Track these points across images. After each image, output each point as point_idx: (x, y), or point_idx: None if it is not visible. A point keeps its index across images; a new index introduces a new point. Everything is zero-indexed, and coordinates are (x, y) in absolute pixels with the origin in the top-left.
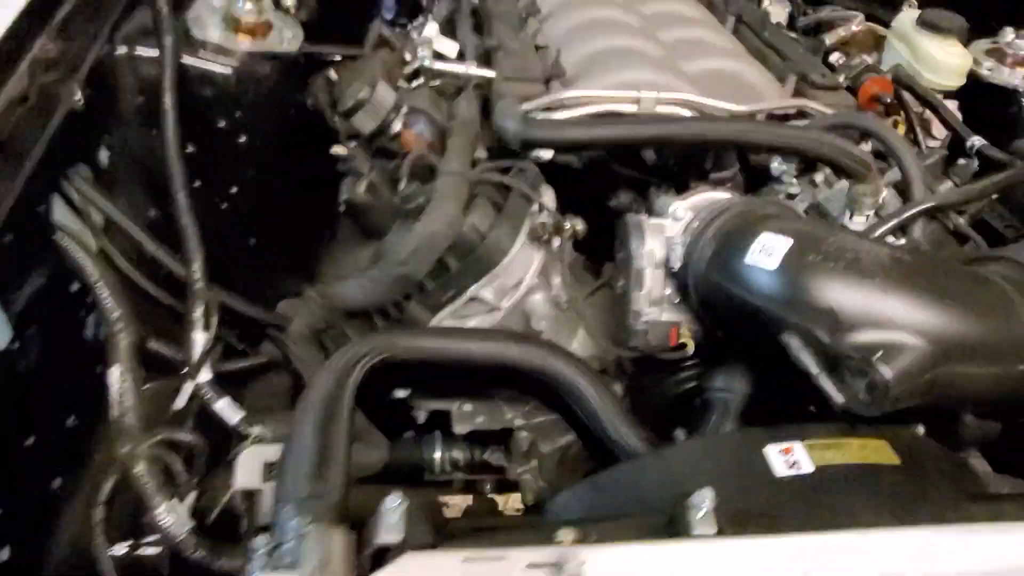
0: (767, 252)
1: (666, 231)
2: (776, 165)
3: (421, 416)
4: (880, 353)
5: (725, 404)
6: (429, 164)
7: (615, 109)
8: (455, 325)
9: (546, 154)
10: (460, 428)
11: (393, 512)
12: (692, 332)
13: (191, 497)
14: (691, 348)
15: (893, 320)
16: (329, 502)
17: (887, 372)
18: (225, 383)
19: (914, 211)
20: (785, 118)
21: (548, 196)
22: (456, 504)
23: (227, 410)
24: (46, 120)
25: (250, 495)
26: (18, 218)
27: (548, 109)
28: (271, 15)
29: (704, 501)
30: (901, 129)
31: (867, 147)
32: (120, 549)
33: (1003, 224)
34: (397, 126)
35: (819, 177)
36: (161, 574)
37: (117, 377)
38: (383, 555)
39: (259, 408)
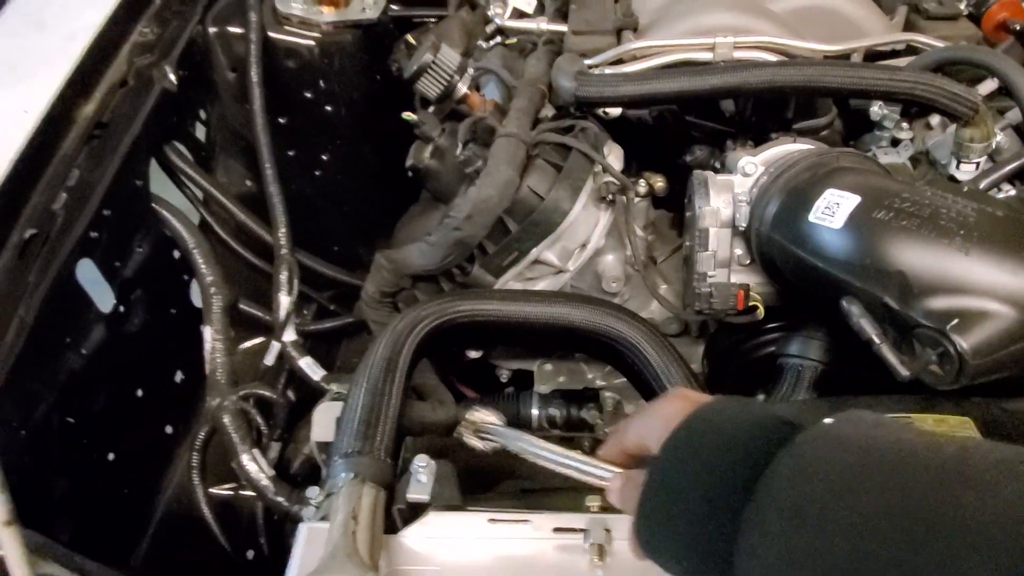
0: (831, 210)
1: (734, 188)
2: (876, 109)
3: (504, 375)
4: (956, 322)
5: (798, 371)
6: (490, 126)
7: (689, 58)
8: (521, 288)
9: (613, 112)
10: (543, 387)
11: (422, 472)
12: (763, 294)
13: (275, 447)
14: (761, 312)
15: (974, 284)
16: (372, 458)
17: (963, 343)
18: (317, 342)
19: None
20: (893, 55)
21: (614, 155)
22: None
23: (310, 368)
24: (143, 101)
25: (326, 447)
26: (119, 193)
27: (619, 62)
28: None
29: None
30: None
31: (992, 84)
32: (222, 490)
33: None
34: (463, 88)
35: (935, 120)
36: (256, 515)
37: (209, 336)
38: (415, 512)
39: (349, 366)
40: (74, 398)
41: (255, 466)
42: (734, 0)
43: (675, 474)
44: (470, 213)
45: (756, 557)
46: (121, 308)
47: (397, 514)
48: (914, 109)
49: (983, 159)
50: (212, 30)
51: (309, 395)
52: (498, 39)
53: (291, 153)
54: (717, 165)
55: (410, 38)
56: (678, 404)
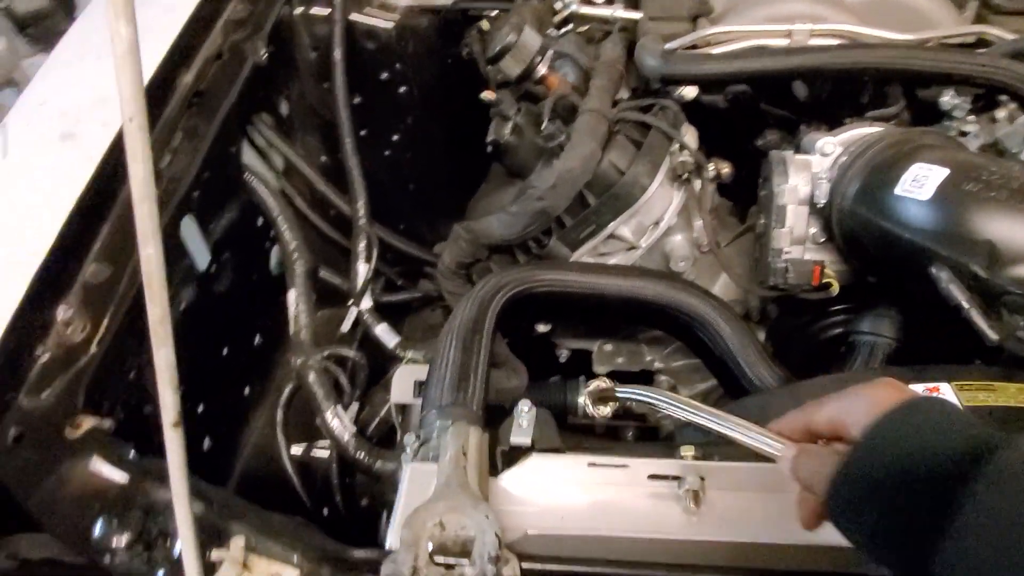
0: (919, 183)
1: (812, 167)
2: (947, 99)
3: (564, 354)
4: None
5: (871, 348)
6: (571, 104)
7: (762, 45)
8: (594, 261)
9: (690, 93)
10: (601, 368)
11: (524, 416)
12: (837, 273)
13: (354, 407)
14: (836, 288)
15: None
16: (468, 408)
17: None
18: (385, 314)
19: None
20: (963, 48)
21: (690, 135)
22: None
23: (385, 335)
24: (237, 73)
25: (403, 409)
26: (215, 158)
27: (694, 47)
28: None
29: None
30: None
31: None
32: (296, 449)
33: None
34: (542, 70)
35: (1001, 113)
36: (329, 476)
37: (294, 299)
38: (515, 455)
39: (414, 338)
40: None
41: (339, 422)
42: None
43: (882, 456)
44: (555, 183)
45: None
46: (214, 268)
47: (500, 456)
48: (980, 103)
49: None
50: (298, 10)
51: (379, 362)
52: (569, 27)
53: (363, 132)
54: (787, 149)
55: (484, 24)
56: (888, 391)
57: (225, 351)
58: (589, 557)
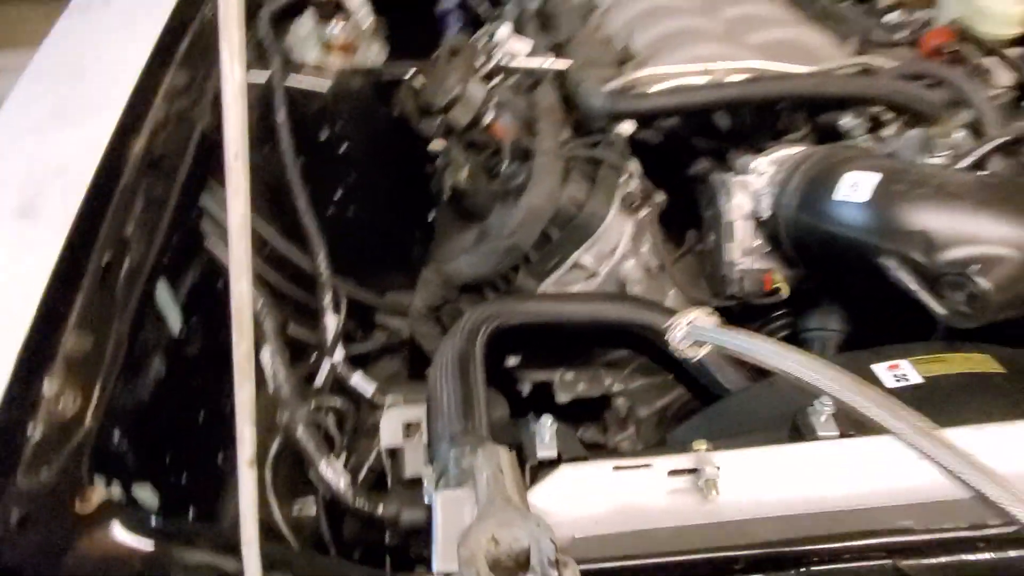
0: (856, 188)
1: (751, 185)
2: (846, 120)
3: (526, 388)
4: (978, 266)
5: (823, 342)
6: (525, 147)
7: (689, 83)
8: (560, 291)
9: (627, 129)
10: (563, 397)
11: (546, 430)
12: (785, 277)
13: (343, 456)
14: (785, 292)
15: (986, 236)
16: (478, 435)
17: (985, 282)
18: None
19: (991, 145)
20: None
21: (635, 165)
22: None
23: (362, 383)
24: (187, 139)
25: (393, 452)
26: (177, 223)
27: (629, 88)
28: (358, 35)
29: (826, 406)
30: None
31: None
32: (281, 510)
33: None
34: (489, 118)
35: (886, 132)
36: (320, 532)
37: (268, 356)
38: (542, 468)
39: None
40: (145, 423)
41: (333, 473)
42: (718, 35)
43: None
44: (522, 220)
45: None
46: (185, 333)
47: (528, 472)
48: (869, 124)
49: (947, 153)
50: None
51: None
52: (498, 79)
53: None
54: (725, 173)
55: (415, 82)
56: None
57: (202, 415)
58: (634, 553)
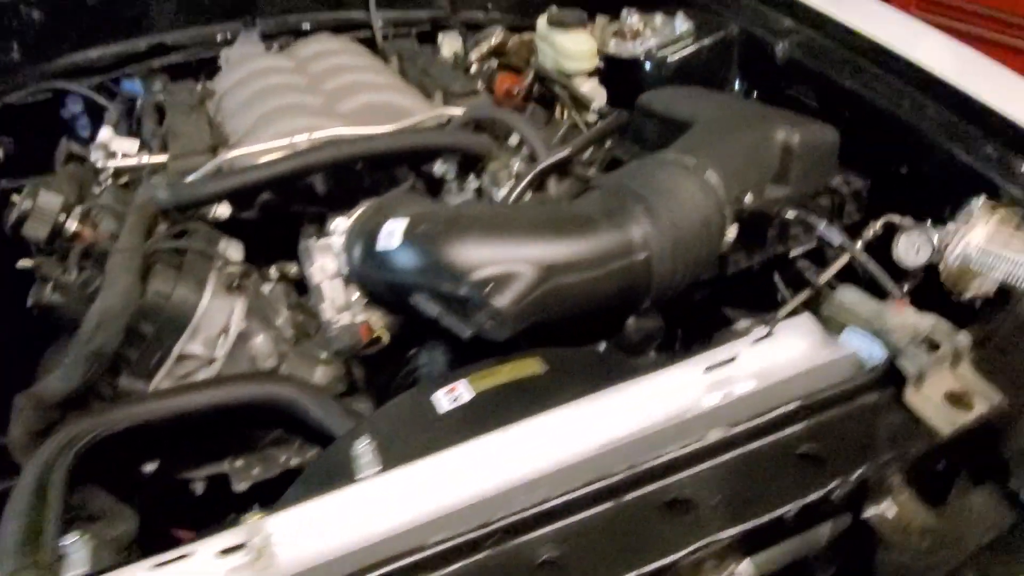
0: (391, 236)
1: (335, 246)
2: (437, 167)
3: (199, 487)
4: (492, 285)
5: (431, 376)
6: (104, 250)
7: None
8: (175, 385)
9: (224, 212)
10: (241, 485)
11: (73, 548)
12: (386, 324)
13: None
14: (386, 338)
15: (496, 257)
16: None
17: (498, 300)
18: None
19: (537, 169)
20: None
21: (233, 248)
22: None
23: None
24: None
25: None
26: None
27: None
28: None
29: (362, 445)
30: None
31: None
32: None
33: (629, 157)
34: (73, 226)
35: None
36: None
37: None
38: None
39: None
40: None
41: None
42: (310, 108)
43: None
44: (98, 322)
45: None
46: None
47: None
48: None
49: (512, 181)
50: None
51: None
52: (110, 182)
53: None
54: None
55: (14, 198)
56: None
57: None
58: None
